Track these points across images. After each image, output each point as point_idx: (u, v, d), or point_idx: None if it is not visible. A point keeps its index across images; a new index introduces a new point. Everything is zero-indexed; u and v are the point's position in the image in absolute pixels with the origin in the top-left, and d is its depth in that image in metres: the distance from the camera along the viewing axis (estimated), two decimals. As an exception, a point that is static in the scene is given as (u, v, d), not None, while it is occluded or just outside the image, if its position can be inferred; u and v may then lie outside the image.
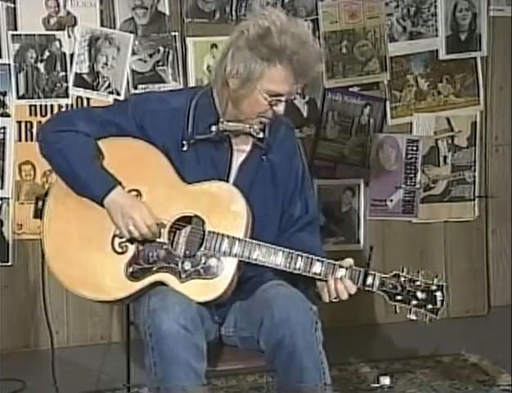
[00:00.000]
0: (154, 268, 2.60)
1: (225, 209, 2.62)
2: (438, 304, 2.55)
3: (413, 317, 2.56)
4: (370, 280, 2.57)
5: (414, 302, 2.55)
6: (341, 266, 2.58)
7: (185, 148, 2.68)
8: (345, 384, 3.43)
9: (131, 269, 2.61)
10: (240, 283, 2.65)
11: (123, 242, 2.63)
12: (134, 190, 2.65)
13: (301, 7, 3.96)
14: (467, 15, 4.10)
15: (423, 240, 4.20)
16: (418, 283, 2.56)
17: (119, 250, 2.63)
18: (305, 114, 4.03)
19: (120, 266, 2.61)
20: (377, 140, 4.09)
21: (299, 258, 2.58)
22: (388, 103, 4.08)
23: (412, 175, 4.12)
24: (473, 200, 4.20)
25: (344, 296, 2.57)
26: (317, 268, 2.58)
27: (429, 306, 2.55)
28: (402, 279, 2.57)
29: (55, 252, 2.65)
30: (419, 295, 2.55)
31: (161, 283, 2.59)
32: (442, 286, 2.56)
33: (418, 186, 4.13)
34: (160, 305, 2.49)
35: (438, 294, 2.56)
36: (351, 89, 4.05)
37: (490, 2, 4.12)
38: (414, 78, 4.10)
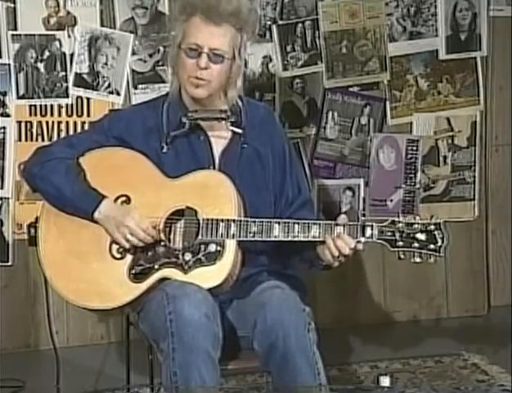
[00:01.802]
0: (156, 266, 2.62)
1: (214, 194, 2.64)
2: (439, 241, 2.55)
3: (418, 259, 2.57)
4: (368, 231, 2.58)
5: (415, 245, 2.56)
6: (337, 224, 2.59)
7: (164, 150, 2.72)
8: (345, 384, 3.42)
9: (133, 272, 2.62)
10: (238, 282, 2.66)
11: (121, 247, 2.64)
12: (122, 196, 2.68)
13: (301, 7, 3.96)
14: (467, 15, 4.10)
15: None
16: (416, 226, 2.56)
17: (118, 255, 2.65)
18: (305, 114, 4.03)
19: (122, 271, 2.63)
20: (377, 140, 4.09)
21: (296, 225, 2.60)
22: (388, 103, 4.08)
23: (412, 175, 4.12)
24: (473, 200, 4.20)
25: (346, 251, 2.57)
26: (315, 231, 2.59)
27: (431, 246, 2.55)
28: (400, 225, 2.57)
29: (55, 271, 2.68)
30: (419, 236, 2.56)
31: (165, 279, 2.60)
32: (440, 223, 2.56)
33: (418, 186, 4.13)
34: (181, 292, 2.51)
35: (437, 232, 2.56)
36: (351, 89, 4.05)
37: (490, 2, 4.12)
38: (414, 78, 4.10)
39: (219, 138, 2.75)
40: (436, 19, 4.07)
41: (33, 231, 2.75)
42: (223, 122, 2.71)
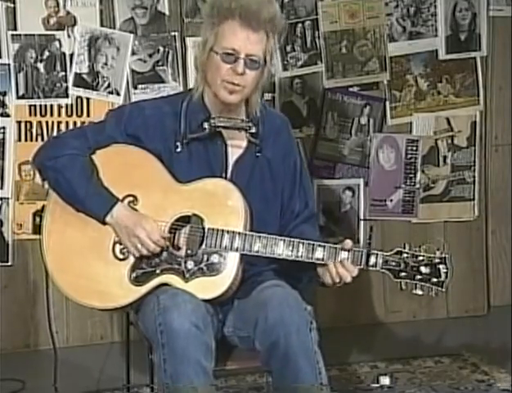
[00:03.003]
0: (158, 271, 2.61)
1: (222, 204, 2.62)
2: (443, 276, 2.54)
3: (419, 292, 2.56)
4: (373, 259, 2.57)
5: (418, 277, 2.55)
6: (343, 249, 2.59)
7: (179, 149, 2.69)
8: (345, 384, 3.43)
9: (134, 274, 2.62)
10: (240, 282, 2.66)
11: (124, 248, 2.64)
12: (130, 195, 2.67)
13: (301, 7, 3.96)
14: (467, 15, 4.10)
15: (423, 240, 4.18)
16: (421, 258, 2.56)
17: (121, 256, 2.64)
18: (305, 114, 4.03)
19: (123, 272, 2.62)
20: (377, 140, 4.09)
21: (301, 245, 2.59)
22: (387, 103, 4.08)
23: (412, 175, 4.12)
24: (473, 200, 4.20)
25: (348, 279, 2.58)
26: (319, 253, 2.58)
27: (434, 279, 2.54)
28: (405, 255, 2.56)
29: (57, 266, 2.67)
30: (423, 269, 2.55)
31: (165, 285, 2.60)
32: (445, 258, 2.55)
33: (418, 186, 4.13)
34: (171, 303, 2.50)
35: (442, 266, 2.55)
36: (351, 89, 4.05)
37: (490, 2, 4.12)
38: (414, 78, 4.10)
39: (236, 147, 2.73)
40: (436, 19, 4.07)
41: (38, 219, 2.74)
42: (243, 132, 2.70)
